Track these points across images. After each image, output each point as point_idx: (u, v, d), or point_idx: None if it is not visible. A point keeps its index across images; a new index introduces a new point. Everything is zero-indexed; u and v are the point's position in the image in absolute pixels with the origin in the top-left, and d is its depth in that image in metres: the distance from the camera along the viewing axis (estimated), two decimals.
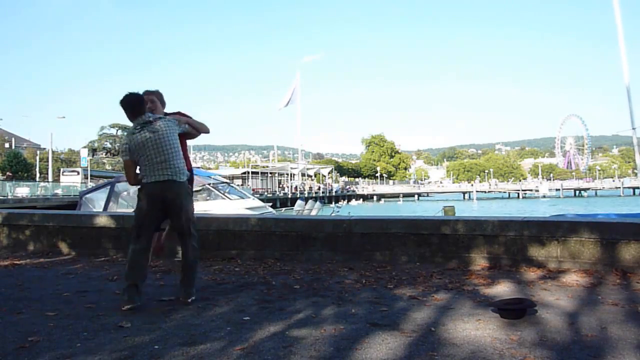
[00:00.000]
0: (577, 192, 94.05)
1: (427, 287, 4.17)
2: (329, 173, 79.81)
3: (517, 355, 2.58)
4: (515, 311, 3.24)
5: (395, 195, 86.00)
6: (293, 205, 24.86)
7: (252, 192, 38.38)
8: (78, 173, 48.07)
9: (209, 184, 13.58)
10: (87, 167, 50.56)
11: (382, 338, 2.86)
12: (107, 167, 75.52)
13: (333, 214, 19.97)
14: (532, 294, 3.89)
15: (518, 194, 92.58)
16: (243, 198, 14.52)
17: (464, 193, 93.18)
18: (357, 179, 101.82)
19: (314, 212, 19.58)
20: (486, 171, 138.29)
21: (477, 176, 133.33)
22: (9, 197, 32.19)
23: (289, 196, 52.22)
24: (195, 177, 14.66)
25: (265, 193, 52.73)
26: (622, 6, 12.72)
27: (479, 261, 5.06)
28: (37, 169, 56.92)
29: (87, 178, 46.99)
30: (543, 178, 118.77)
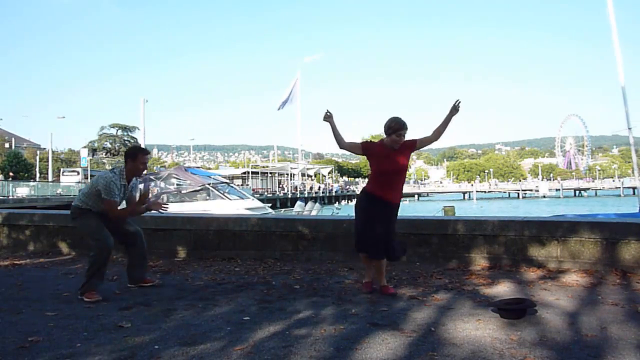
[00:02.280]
0: (577, 192, 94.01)
1: (427, 287, 4.17)
2: (329, 173, 79.73)
3: (517, 355, 2.58)
4: (515, 311, 3.24)
5: None
6: (293, 206, 24.86)
7: (252, 192, 38.38)
8: (78, 173, 48.05)
9: (209, 184, 13.59)
10: (87, 167, 50.55)
11: (382, 338, 2.86)
12: (107, 167, 75.44)
13: (333, 215, 19.97)
14: (532, 294, 3.89)
15: (518, 194, 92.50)
16: (243, 198, 14.54)
17: (464, 193, 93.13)
18: (357, 179, 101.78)
19: (313, 213, 19.56)
20: (486, 171, 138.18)
21: (477, 176, 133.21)
22: (10, 197, 32.14)
23: (289, 196, 52.14)
24: (194, 176, 14.62)
25: (265, 193, 52.62)
26: (617, 8, 12.72)
27: (479, 261, 5.06)
28: (37, 169, 56.90)
29: (87, 178, 46.89)
30: (543, 178, 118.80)
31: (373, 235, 3.93)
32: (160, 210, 4.43)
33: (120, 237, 4.38)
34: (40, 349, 2.71)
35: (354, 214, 4.21)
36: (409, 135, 3.95)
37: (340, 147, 4.14)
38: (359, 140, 4.20)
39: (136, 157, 4.20)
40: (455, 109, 4.03)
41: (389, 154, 3.93)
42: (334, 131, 4.04)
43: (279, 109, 50.16)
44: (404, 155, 3.99)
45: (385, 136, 3.95)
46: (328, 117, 4.00)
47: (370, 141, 4.09)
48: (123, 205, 4.36)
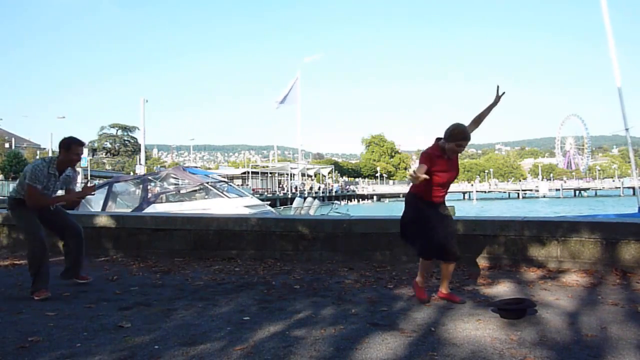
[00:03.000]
0: (577, 192, 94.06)
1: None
2: (329, 173, 79.76)
3: (517, 355, 2.58)
4: (515, 311, 3.24)
5: (395, 195, 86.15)
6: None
7: (252, 192, 38.38)
8: (78, 173, 48.00)
9: (207, 183, 13.60)
10: (87, 167, 50.50)
11: (382, 338, 2.86)
12: (107, 167, 75.49)
13: (331, 212, 19.96)
14: (532, 294, 3.89)
15: (518, 194, 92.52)
16: (241, 196, 14.53)
17: (464, 193, 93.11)
18: (357, 179, 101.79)
19: (312, 210, 19.56)
20: (486, 171, 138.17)
21: (477, 176, 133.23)
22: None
23: (289, 196, 52.13)
24: (193, 175, 14.55)
25: (265, 193, 52.63)
26: (613, 9, 12.72)
27: (479, 261, 5.06)
28: None
29: (86, 178, 46.92)
30: (543, 178, 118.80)
31: (449, 237, 3.68)
32: (91, 193, 4.42)
33: (59, 231, 4.42)
34: (40, 349, 2.71)
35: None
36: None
37: None
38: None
39: (70, 147, 4.16)
40: (498, 99, 3.88)
41: (448, 163, 3.63)
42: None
43: (277, 107, 50.15)
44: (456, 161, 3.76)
45: (443, 140, 3.59)
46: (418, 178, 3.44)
47: (429, 153, 3.61)
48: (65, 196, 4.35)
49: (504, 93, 3.91)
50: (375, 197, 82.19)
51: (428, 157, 3.61)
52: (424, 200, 3.72)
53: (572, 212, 36.90)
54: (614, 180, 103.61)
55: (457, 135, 3.56)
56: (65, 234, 4.42)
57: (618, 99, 12.20)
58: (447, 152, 3.61)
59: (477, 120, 3.88)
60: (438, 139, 3.68)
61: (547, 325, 3.08)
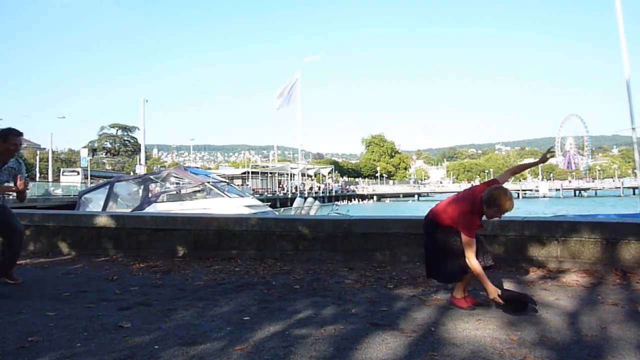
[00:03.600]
0: (577, 192, 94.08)
1: (427, 287, 4.17)
2: (329, 173, 79.81)
3: (517, 355, 2.58)
4: (515, 304, 3.26)
5: (395, 195, 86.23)
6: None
7: (252, 192, 38.41)
8: (78, 173, 48.02)
9: (208, 182, 13.64)
10: (87, 167, 50.51)
11: (382, 338, 2.86)
12: (107, 167, 75.54)
13: (332, 213, 19.97)
14: (532, 294, 3.89)
15: (518, 194, 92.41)
16: (242, 196, 14.57)
17: None
18: (357, 179, 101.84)
19: (312, 211, 19.58)
20: (486, 171, 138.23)
21: (477, 176, 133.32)
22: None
23: (289, 196, 52.14)
24: (193, 175, 14.61)
25: (265, 193, 52.67)
26: (622, 3, 12.61)
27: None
28: (37, 169, 56.91)
29: (87, 178, 46.95)
30: (543, 178, 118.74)
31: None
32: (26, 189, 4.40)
33: (4, 231, 4.47)
34: (40, 349, 2.71)
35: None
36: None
37: None
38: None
39: (7, 138, 4.18)
40: (546, 159, 3.80)
41: (480, 220, 3.53)
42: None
43: (278, 108, 50.03)
44: None
45: (485, 203, 3.40)
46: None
47: (476, 211, 3.48)
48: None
49: (552, 155, 3.88)
50: (375, 197, 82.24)
51: (473, 217, 3.46)
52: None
53: (572, 212, 36.88)
54: (614, 181, 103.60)
55: (502, 210, 3.38)
56: (8, 236, 4.47)
57: (625, 93, 11.96)
58: (486, 215, 3.48)
59: (514, 172, 3.89)
60: (484, 186, 3.54)
61: (547, 325, 3.08)
